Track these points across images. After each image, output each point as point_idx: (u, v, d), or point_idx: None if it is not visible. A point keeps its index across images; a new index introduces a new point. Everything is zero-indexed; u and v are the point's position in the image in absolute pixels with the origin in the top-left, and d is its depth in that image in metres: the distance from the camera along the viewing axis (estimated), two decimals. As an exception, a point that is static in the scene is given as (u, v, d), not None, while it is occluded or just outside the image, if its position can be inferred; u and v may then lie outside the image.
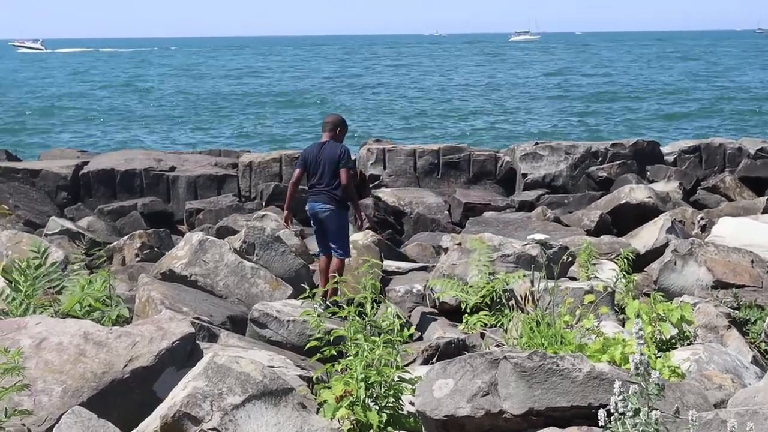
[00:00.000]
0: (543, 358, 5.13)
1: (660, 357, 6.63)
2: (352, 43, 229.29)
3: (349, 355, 6.28)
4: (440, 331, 9.22)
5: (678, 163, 19.68)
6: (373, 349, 6.15)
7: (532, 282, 8.78)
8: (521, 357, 5.17)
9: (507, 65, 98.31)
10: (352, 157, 18.52)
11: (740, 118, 41.85)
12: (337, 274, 8.99)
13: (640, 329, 3.30)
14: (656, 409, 3.32)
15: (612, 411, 3.38)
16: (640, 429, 3.27)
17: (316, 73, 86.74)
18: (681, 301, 8.19)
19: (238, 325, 8.81)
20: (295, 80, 75.01)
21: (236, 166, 19.63)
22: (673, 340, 7.53)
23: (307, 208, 9.96)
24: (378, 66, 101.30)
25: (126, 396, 5.85)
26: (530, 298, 8.67)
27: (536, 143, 20.08)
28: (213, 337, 7.84)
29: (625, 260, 9.59)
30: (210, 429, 4.90)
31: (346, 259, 9.98)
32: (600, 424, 3.30)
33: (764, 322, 8.59)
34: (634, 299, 8.39)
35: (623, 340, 6.78)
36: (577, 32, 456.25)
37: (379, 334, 6.44)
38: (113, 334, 6.15)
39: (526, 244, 10.57)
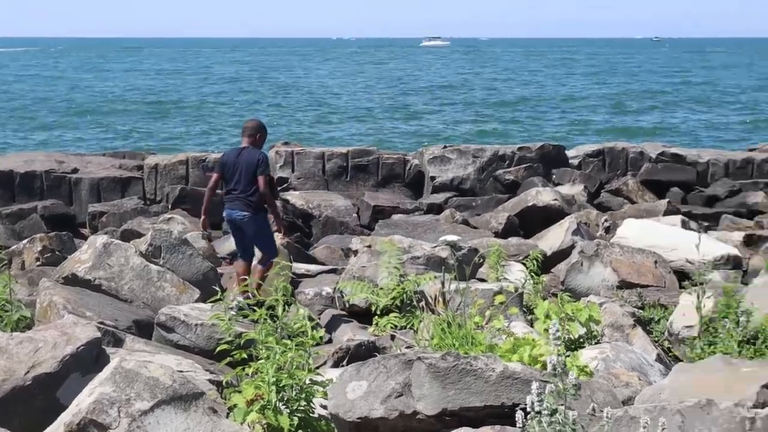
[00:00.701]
0: (457, 359, 5.14)
1: (569, 356, 6.71)
2: (256, 47, 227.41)
3: (260, 359, 6.19)
4: (350, 334, 9.19)
5: (582, 167, 20.01)
6: (285, 351, 6.07)
7: (442, 283, 8.80)
8: (435, 357, 5.16)
9: (417, 69, 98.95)
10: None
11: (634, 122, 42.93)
12: (248, 276, 8.91)
13: (557, 330, 3.31)
14: (573, 409, 3.33)
15: (528, 410, 3.37)
16: (557, 428, 3.27)
17: (221, 76, 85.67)
18: (588, 301, 8.33)
19: (143, 329, 8.61)
20: (200, 84, 73.90)
21: (141, 168, 19.24)
22: (581, 339, 7.64)
23: (224, 214, 9.92)
24: (281, 70, 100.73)
25: (28, 403, 5.64)
26: (441, 299, 8.69)
27: (444, 146, 20.17)
28: (118, 342, 7.64)
29: (534, 261, 9.69)
30: (117, 436, 4.76)
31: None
32: (518, 424, 3.30)
33: (667, 321, 8.80)
34: (542, 300, 8.50)
35: (533, 340, 6.85)
36: (482, 38, 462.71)
37: (291, 337, 6.37)
38: (14, 340, 5.93)
39: (435, 246, 10.61)
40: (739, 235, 14.31)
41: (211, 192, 10.03)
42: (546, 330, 7.18)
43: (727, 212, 17.62)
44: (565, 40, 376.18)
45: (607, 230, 14.47)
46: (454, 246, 10.71)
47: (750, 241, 14.04)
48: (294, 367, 6.05)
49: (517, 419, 3.32)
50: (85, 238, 14.31)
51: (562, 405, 3.36)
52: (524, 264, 10.59)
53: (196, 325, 8.33)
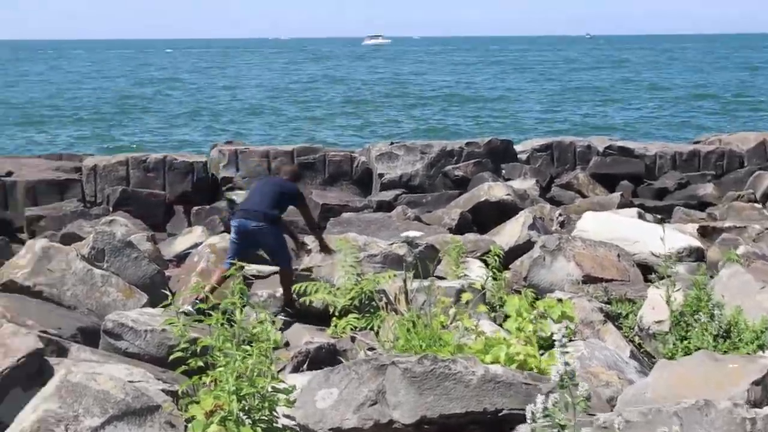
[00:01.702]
0: (434, 362, 4.78)
1: (544, 355, 6.39)
2: (188, 47, 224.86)
3: (217, 366, 5.77)
4: (308, 336, 8.80)
5: (531, 161, 19.83)
6: (245, 358, 5.66)
7: (404, 281, 8.44)
8: (411, 361, 4.80)
9: (362, 68, 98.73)
10: (204, 160, 17.79)
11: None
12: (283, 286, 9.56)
13: (564, 336, 2.94)
14: (585, 426, 2.99)
15: (529, 421, 3.01)
16: (559, 440, 2.93)
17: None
18: (557, 298, 8.02)
19: (89, 337, 8.14)
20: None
21: (80, 170, 18.53)
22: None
23: (236, 224, 9.70)
24: (215, 70, 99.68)
25: (-36, 422, 5.16)
26: (402, 298, 8.34)
27: (391, 143, 19.87)
28: (63, 352, 7.17)
29: (495, 257, 9.36)
30: (66, 457, 4.32)
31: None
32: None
33: (636, 315, 8.55)
34: (509, 296, 8.16)
35: (504, 339, 6.53)
36: (414, 36, 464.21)
37: (250, 342, 5.95)
38: (-52, 353, 5.45)
39: (392, 243, 10.28)
40: (693, 227, 14.17)
41: None
42: (518, 329, 6.85)
43: (678, 204, 17.58)
44: (499, 38, 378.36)
45: (562, 224, 14.25)
46: (410, 243, 10.37)
47: (705, 233, 13.91)
48: (255, 374, 5.65)
49: (524, 437, 2.97)
50: (22, 243, 13.69)
51: (569, 420, 3.00)
52: (483, 260, 10.27)
53: (146, 331, 7.88)
